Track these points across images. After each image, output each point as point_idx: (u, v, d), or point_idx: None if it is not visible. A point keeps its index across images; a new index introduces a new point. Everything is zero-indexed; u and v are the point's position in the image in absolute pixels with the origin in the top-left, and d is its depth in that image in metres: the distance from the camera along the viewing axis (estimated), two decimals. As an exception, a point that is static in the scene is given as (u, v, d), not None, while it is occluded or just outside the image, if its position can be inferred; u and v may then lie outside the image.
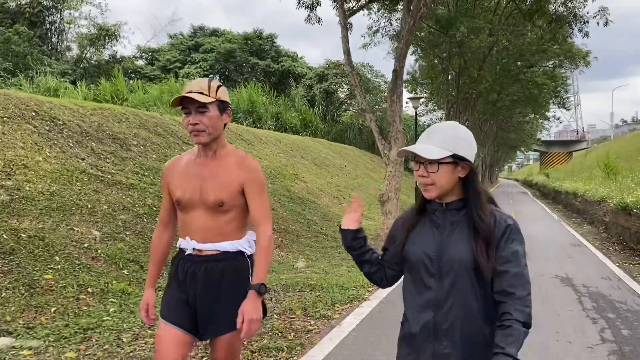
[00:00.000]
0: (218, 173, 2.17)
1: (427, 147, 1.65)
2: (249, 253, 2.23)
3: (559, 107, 36.16)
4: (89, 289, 5.14)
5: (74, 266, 5.42)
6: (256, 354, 3.99)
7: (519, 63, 23.78)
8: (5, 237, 5.23)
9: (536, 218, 18.85)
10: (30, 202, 6.09)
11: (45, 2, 35.89)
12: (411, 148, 1.66)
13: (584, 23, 12.08)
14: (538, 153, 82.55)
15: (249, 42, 36.12)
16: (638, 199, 11.23)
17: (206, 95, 2.09)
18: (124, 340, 4.07)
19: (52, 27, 37.39)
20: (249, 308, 2.05)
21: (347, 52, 10.39)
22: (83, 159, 7.96)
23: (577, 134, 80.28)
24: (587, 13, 12.21)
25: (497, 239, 1.63)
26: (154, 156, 9.86)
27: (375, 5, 15.30)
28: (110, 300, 5.09)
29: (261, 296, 2.09)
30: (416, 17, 9.45)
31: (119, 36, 35.04)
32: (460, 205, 1.70)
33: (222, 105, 2.16)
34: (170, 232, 2.35)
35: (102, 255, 5.93)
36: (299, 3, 13.05)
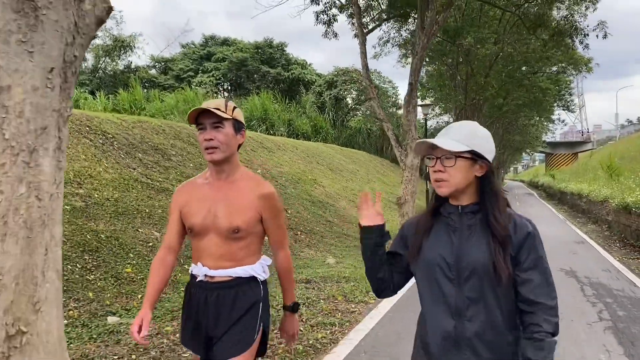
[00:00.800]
0: (232, 197, 2.12)
1: (446, 140, 1.65)
2: (262, 279, 2.18)
3: (564, 110, 36.89)
4: (162, 280, 6.06)
5: (146, 262, 6.34)
6: (315, 327, 4.90)
7: (523, 68, 24.65)
8: (89, 237, 6.15)
9: (542, 218, 19.66)
10: (100, 207, 7.02)
11: (61, 15, 36.85)
12: (430, 140, 1.65)
13: (585, 36, 12.98)
14: (544, 154, 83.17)
15: (260, 50, 37.22)
16: (637, 199, 12.05)
17: (223, 112, 2.08)
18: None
19: (68, 39, 38.41)
20: (289, 325, 2.23)
21: (365, 67, 11.32)
22: (134, 169, 8.90)
23: (582, 135, 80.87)
24: (587, 26, 13.15)
25: (519, 244, 1.59)
26: (191, 165, 10.79)
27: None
28: (180, 289, 6.00)
29: (295, 313, 2.23)
30: (429, 35, 10.37)
31: (134, 47, 36.12)
32: (476, 209, 1.66)
33: (237, 125, 2.14)
34: (173, 257, 2.27)
35: (165, 252, 6.85)
36: (317, 20, 13.98)
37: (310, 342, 4.46)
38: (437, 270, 1.65)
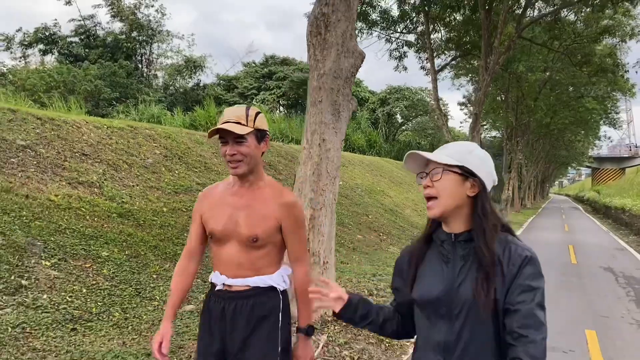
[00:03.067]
0: (254, 205, 2.08)
1: (436, 153, 1.58)
2: (282, 289, 2.15)
3: (610, 127, 38.11)
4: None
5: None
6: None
7: (570, 88, 26.47)
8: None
9: (587, 229, 21.48)
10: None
11: (139, 37, 40.80)
12: (418, 152, 1.58)
13: (626, 71, 15.00)
14: (590, 169, 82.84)
15: (318, 70, 40.11)
16: (671, 212, 13.97)
17: (244, 125, 2.01)
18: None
19: (143, 59, 42.38)
20: (302, 352, 2.05)
21: (436, 99, 13.73)
22: (262, 181, 11.58)
23: (630, 149, 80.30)
24: (627, 63, 15.18)
25: (512, 274, 1.46)
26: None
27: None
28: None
29: (310, 337, 2.10)
30: (492, 74, 12.70)
31: (204, 67, 39.63)
32: (470, 236, 1.53)
33: (260, 134, 2.07)
34: (195, 264, 2.27)
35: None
36: (390, 56, 16.48)
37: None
38: (427, 305, 1.56)
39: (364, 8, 14.79)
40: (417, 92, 39.42)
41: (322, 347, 4.27)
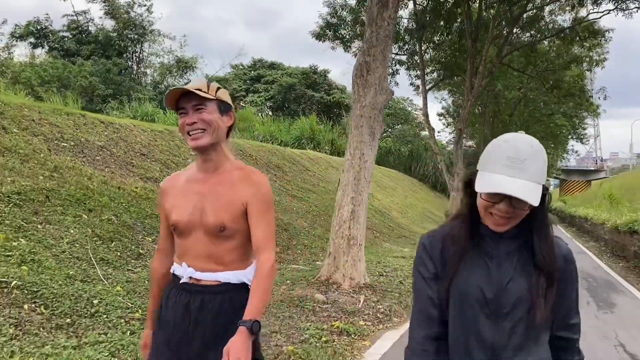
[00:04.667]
0: (220, 190, 1.91)
1: (524, 185, 1.31)
2: None
3: (577, 141, 40.74)
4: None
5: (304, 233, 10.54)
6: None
7: (541, 104, 28.82)
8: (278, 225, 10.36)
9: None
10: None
11: (131, 36, 41.76)
12: (510, 192, 1.30)
13: (590, 97, 17.14)
14: (558, 180, 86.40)
15: (305, 76, 41.79)
16: (624, 221, 16.08)
17: (205, 92, 1.86)
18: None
19: (133, 57, 43.33)
20: (237, 347, 1.71)
21: (426, 115, 15.56)
22: (275, 182, 13.17)
23: (597, 163, 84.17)
24: (592, 89, 17.36)
25: (563, 277, 1.43)
26: (300, 179, 15.06)
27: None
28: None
29: (253, 335, 1.77)
30: (476, 95, 14.57)
31: (195, 67, 40.86)
32: (515, 233, 1.43)
33: (223, 106, 1.92)
34: (170, 261, 2.05)
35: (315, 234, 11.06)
36: (384, 72, 18.24)
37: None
38: (473, 303, 1.44)
39: (360, 28, 16.49)
40: (399, 101, 41.42)
41: (363, 302, 5.95)
